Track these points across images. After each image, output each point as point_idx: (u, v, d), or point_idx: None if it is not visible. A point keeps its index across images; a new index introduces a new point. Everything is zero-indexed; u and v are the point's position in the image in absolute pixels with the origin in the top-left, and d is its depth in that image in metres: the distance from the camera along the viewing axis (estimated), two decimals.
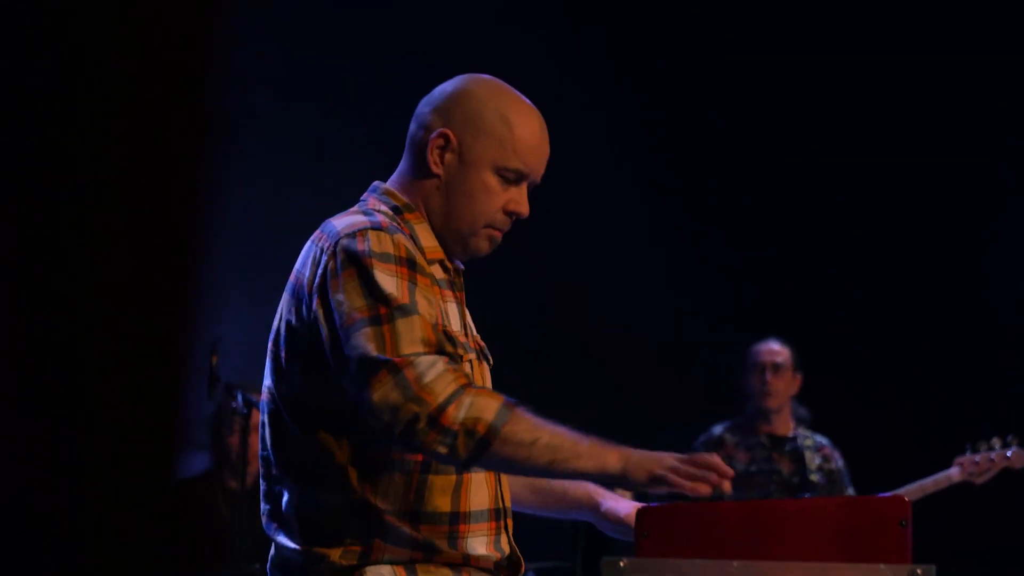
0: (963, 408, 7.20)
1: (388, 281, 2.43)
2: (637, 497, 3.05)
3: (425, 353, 2.38)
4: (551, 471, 2.40)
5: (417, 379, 2.35)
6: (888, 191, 7.57)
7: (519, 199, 2.64)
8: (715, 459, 2.40)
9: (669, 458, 2.40)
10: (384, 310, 2.40)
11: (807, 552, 2.23)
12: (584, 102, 7.38)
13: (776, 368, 6.03)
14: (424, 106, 2.67)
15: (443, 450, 2.35)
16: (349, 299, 2.43)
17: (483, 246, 2.65)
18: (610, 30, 7.53)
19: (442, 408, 2.34)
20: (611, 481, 2.42)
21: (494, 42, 6.85)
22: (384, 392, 2.35)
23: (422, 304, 2.44)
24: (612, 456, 2.40)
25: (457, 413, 2.34)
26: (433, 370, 2.36)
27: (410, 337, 2.39)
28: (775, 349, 6.08)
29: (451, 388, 2.35)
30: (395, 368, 2.36)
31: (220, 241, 6.46)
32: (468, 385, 2.38)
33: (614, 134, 7.51)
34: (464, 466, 2.41)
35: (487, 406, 2.36)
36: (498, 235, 2.66)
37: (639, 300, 7.44)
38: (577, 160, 7.24)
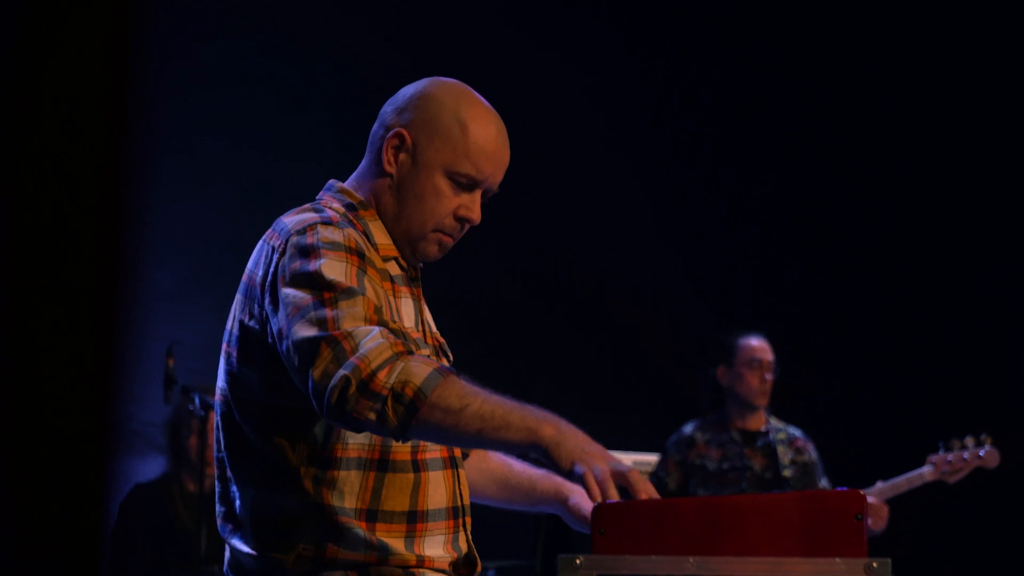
0: (932, 408, 7.22)
1: (336, 268, 2.41)
2: None
3: (365, 325, 2.35)
4: (481, 440, 2.33)
5: (354, 349, 2.32)
6: (849, 183, 7.59)
7: (471, 206, 2.61)
8: (646, 487, 2.33)
9: (599, 458, 2.31)
10: (328, 295, 2.38)
11: (764, 547, 2.22)
12: (579, 98, 7.41)
13: (770, 366, 6.00)
14: (387, 106, 2.67)
15: (373, 416, 2.29)
16: (296, 290, 2.41)
17: (432, 250, 2.63)
18: (609, 28, 7.54)
19: (373, 374, 2.29)
20: (538, 454, 2.33)
21: (488, 43, 6.87)
22: (324, 366, 2.32)
23: (369, 290, 2.42)
24: (546, 429, 2.32)
25: (388, 378, 2.29)
26: (370, 338, 2.33)
27: (351, 314, 2.36)
28: (767, 347, 6.03)
29: (385, 354, 2.31)
30: (334, 341, 2.33)
31: (180, 245, 6.44)
32: (405, 352, 2.33)
33: (610, 132, 7.53)
34: (396, 434, 2.32)
35: (418, 371, 2.30)
36: (448, 240, 2.63)
37: (633, 299, 7.45)
38: (576, 160, 7.27)
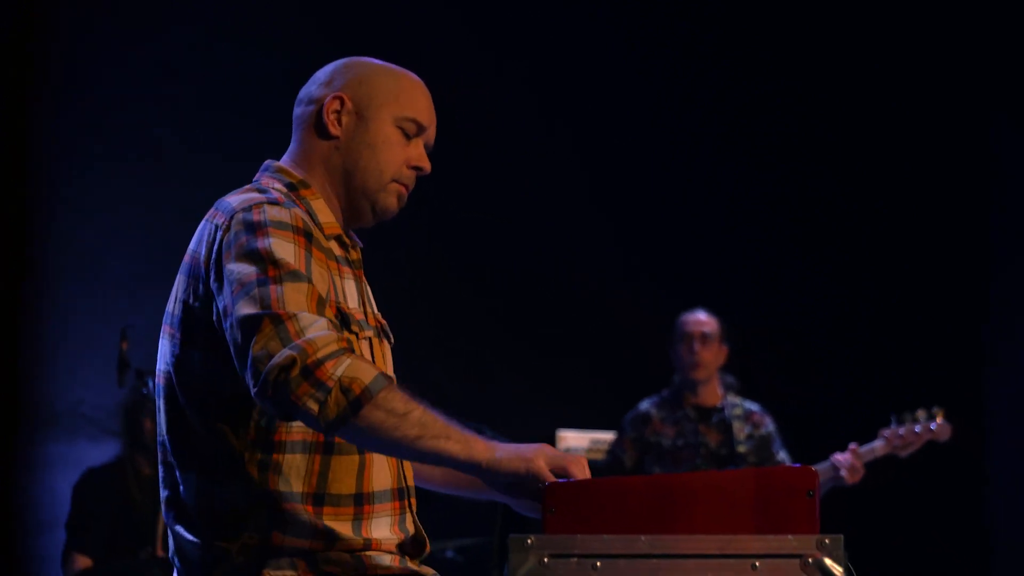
0: (885, 381, 7.25)
1: (284, 248, 2.41)
2: None
3: (310, 313, 2.35)
4: (418, 447, 2.35)
5: (299, 332, 2.31)
6: (849, 183, 7.60)
7: (421, 154, 2.67)
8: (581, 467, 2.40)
9: (541, 456, 2.39)
10: (274, 272, 2.38)
11: (716, 524, 2.22)
12: (578, 97, 7.40)
13: (704, 338, 5.98)
14: (308, 86, 2.70)
15: (313, 405, 2.28)
16: (241, 266, 2.39)
17: (391, 202, 2.65)
18: (609, 28, 7.53)
19: (320, 361, 2.29)
20: (476, 472, 2.38)
21: (487, 42, 6.86)
22: (264, 342, 2.31)
23: (316, 275, 2.42)
24: (480, 446, 2.38)
25: (335, 369, 2.29)
26: (316, 326, 2.33)
27: (297, 298, 2.36)
28: (703, 319, 6.03)
29: (333, 346, 2.31)
30: (278, 319, 2.33)
31: (131, 230, 6.42)
32: (350, 350, 2.34)
33: (610, 131, 7.52)
34: (329, 428, 2.32)
35: (366, 370, 2.32)
36: (404, 191, 2.67)
37: (605, 287, 7.46)
38: (574, 158, 7.26)
